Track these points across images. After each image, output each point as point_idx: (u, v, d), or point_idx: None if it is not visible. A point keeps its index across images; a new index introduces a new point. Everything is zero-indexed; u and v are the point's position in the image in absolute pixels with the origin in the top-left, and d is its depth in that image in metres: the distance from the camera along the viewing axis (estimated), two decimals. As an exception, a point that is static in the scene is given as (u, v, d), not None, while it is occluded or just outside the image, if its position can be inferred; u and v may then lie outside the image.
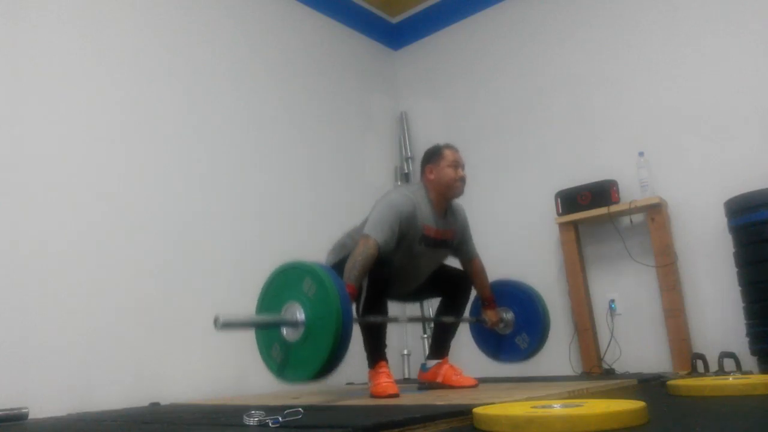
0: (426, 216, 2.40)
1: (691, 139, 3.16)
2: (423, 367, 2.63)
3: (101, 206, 2.65)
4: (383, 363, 2.27)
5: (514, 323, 2.77)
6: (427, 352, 3.25)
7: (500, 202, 3.83)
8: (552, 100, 3.72)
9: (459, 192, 2.50)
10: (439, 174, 2.47)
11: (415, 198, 2.40)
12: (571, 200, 3.31)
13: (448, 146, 2.54)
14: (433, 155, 2.52)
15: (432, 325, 2.71)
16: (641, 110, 3.35)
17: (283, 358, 2.03)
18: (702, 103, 3.15)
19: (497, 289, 2.78)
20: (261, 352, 2.14)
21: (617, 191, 3.20)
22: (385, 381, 2.19)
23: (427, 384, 2.57)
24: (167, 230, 2.87)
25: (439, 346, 2.62)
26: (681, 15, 3.29)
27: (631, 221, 3.28)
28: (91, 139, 2.69)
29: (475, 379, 2.51)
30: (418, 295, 2.74)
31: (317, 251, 3.49)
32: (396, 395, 2.12)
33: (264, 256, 3.28)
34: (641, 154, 3.19)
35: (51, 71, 2.61)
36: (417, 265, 2.48)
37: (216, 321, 1.87)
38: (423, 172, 2.54)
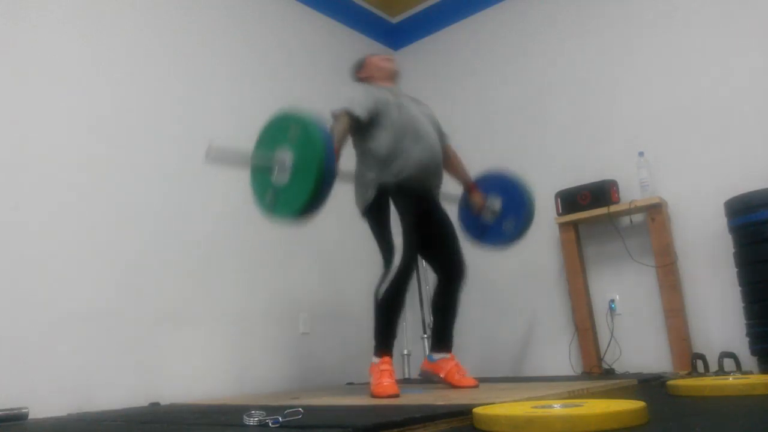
0: (383, 89, 2.53)
1: (691, 139, 3.16)
2: (429, 358, 2.61)
3: (101, 206, 2.65)
4: (388, 359, 2.25)
5: (500, 211, 2.86)
6: (427, 352, 3.26)
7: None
8: (552, 99, 3.72)
9: (393, 74, 2.65)
10: (372, 70, 2.64)
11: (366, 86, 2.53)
12: (571, 200, 3.31)
13: (368, 54, 2.73)
14: (360, 64, 2.71)
15: (431, 325, 2.69)
16: (641, 110, 3.35)
17: (274, 201, 2.16)
18: (702, 103, 3.15)
19: (483, 179, 2.92)
20: (256, 198, 2.27)
21: (617, 191, 3.20)
22: (387, 381, 2.18)
23: (429, 374, 2.56)
24: (168, 230, 2.87)
25: (443, 337, 2.59)
26: (681, 15, 3.29)
27: (631, 221, 3.28)
28: (92, 138, 2.69)
29: (476, 379, 2.52)
30: (426, 241, 2.56)
31: (316, 245, 3.51)
32: (396, 396, 2.12)
33: (264, 255, 3.29)
34: (641, 154, 3.19)
35: (50, 71, 2.61)
36: (412, 117, 2.48)
37: (208, 151, 2.04)
38: (360, 80, 2.68)
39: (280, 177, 2.13)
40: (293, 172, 2.09)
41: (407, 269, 2.27)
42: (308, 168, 2.04)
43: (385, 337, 2.29)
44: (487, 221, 2.88)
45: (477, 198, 2.85)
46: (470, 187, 2.87)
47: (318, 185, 2.00)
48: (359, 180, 2.51)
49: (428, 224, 2.52)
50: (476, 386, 2.44)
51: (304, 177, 2.05)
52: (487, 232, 2.91)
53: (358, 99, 2.41)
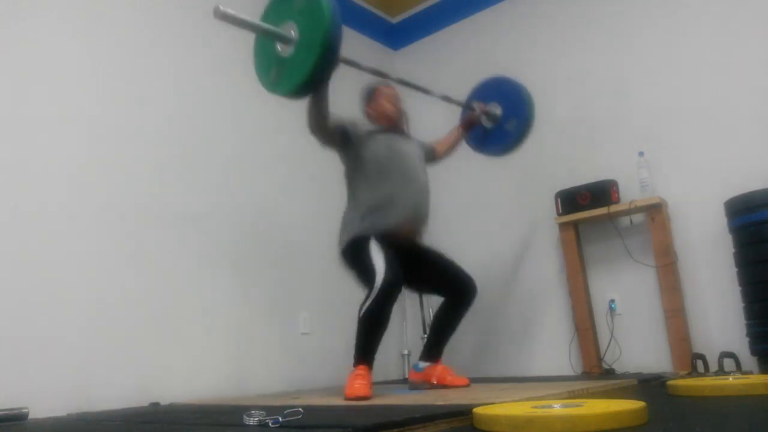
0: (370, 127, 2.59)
1: (691, 139, 3.16)
2: (416, 368, 2.66)
3: (100, 206, 2.65)
4: (364, 367, 2.26)
5: (501, 116, 3.02)
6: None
7: (500, 201, 3.83)
8: (552, 99, 3.71)
9: (397, 119, 2.66)
10: (376, 109, 2.65)
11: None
12: (571, 200, 3.30)
13: (381, 83, 2.71)
14: (368, 94, 2.71)
15: (427, 334, 2.72)
16: (641, 110, 3.35)
17: (278, 76, 2.15)
18: (702, 103, 3.15)
19: (481, 87, 3.12)
20: (259, 73, 2.27)
21: (617, 191, 3.20)
22: (359, 383, 2.19)
23: (418, 384, 2.60)
24: (168, 230, 2.87)
25: (435, 348, 2.64)
26: (681, 15, 3.29)
27: (631, 221, 3.28)
28: (92, 138, 2.69)
29: (469, 379, 2.58)
30: (423, 280, 2.68)
31: (316, 244, 3.50)
32: (367, 398, 2.13)
33: (264, 255, 3.29)
34: (641, 154, 3.19)
35: (49, 70, 2.61)
36: (402, 157, 2.53)
37: (216, 10, 2.01)
38: (365, 111, 2.71)
39: (285, 49, 2.13)
40: (298, 42, 2.08)
41: (390, 287, 2.24)
42: (313, 37, 2.02)
43: (364, 352, 2.29)
44: (490, 127, 3.03)
45: (477, 105, 3.03)
46: (462, 126, 3.09)
47: (322, 55, 2.00)
48: (344, 218, 2.56)
49: (417, 264, 2.55)
50: (468, 385, 2.49)
51: (309, 47, 2.02)
52: (490, 139, 3.06)
53: (340, 119, 2.47)
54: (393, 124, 2.65)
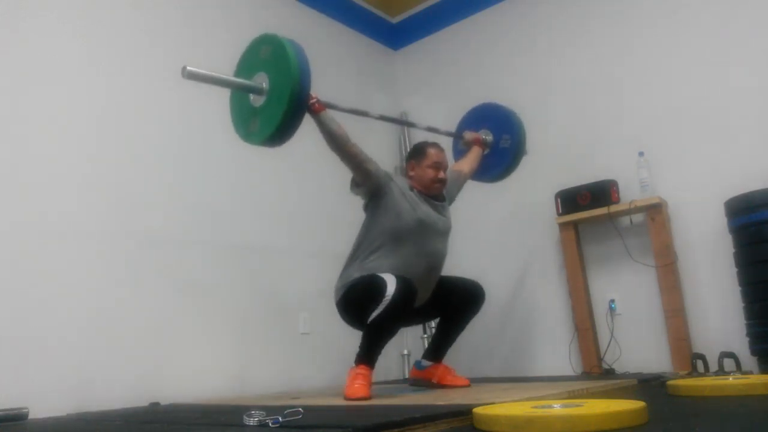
0: (406, 188, 2.50)
1: (691, 139, 3.16)
2: (418, 365, 2.65)
3: (100, 206, 2.65)
4: (365, 367, 2.23)
5: (494, 140, 3.06)
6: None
7: (500, 202, 3.83)
8: (552, 99, 3.72)
9: (436, 192, 2.56)
10: (419, 172, 2.54)
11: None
12: (571, 200, 3.30)
13: (433, 146, 2.60)
14: (417, 153, 2.60)
15: (432, 325, 2.71)
16: (641, 110, 3.35)
17: (253, 126, 2.22)
18: (702, 103, 3.15)
19: (464, 123, 3.15)
20: (235, 124, 2.34)
21: (617, 191, 3.20)
22: (359, 383, 2.18)
23: (420, 381, 2.60)
24: (168, 231, 2.87)
25: (438, 349, 2.63)
26: (681, 15, 3.29)
27: (631, 221, 3.28)
28: (92, 137, 2.69)
29: (468, 379, 2.58)
30: (431, 306, 2.60)
31: (316, 245, 3.51)
32: (366, 398, 2.12)
33: (264, 255, 3.29)
34: (641, 154, 3.19)
35: (50, 69, 2.61)
36: (425, 231, 2.42)
37: (183, 70, 2.04)
38: (406, 167, 2.62)
39: (257, 100, 2.18)
40: (269, 92, 2.14)
41: (403, 300, 2.18)
42: (282, 87, 2.08)
43: (368, 353, 2.25)
44: (485, 153, 3.05)
45: (468, 134, 2.99)
46: (478, 144, 3.01)
47: (291, 105, 2.05)
48: (345, 272, 2.45)
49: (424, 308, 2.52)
50: (468, 386, 2.49)
51: (279, 98, 2.09)
52: (488, 163, 3.06)
53: (374, 162, 2.40)
54: (430, 193, 2.54)
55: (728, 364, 2.72)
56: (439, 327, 2.68)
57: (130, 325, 2.62)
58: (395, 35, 4.60)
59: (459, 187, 2.81)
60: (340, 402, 2.11)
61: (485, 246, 3.84)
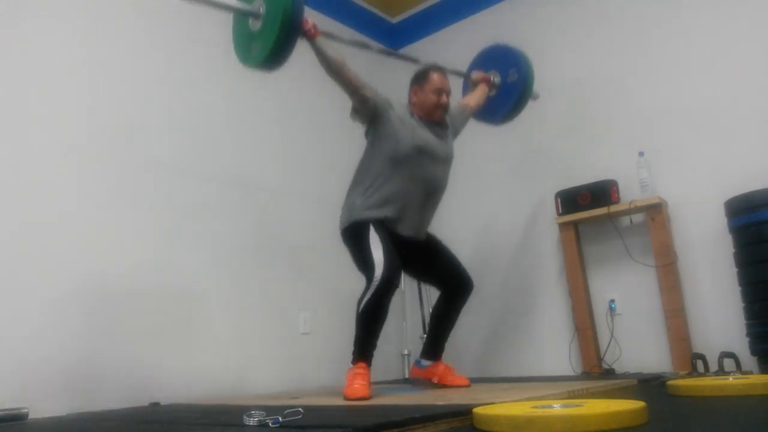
0: (406, 114, 2.51)
1: (691, 139, 3.16)
2: (419, 364, 2.66)
3: (99, 205, 2.65)
4: (364, 365, 2.26)
5: (501, 81, 3.09)
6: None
7: (500, 202, 3.83)
8: (552, 99, 3.71)
9: (437, 118, 2.57)
10: (422, 97, 2.56)
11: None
12: (571, 200, 3.30)
13: (436, 70, 2.62)
14: (420, 77, 2.61)
15: (427, 332, 2.71)
16: (641, 110, 3.35)
17: (252, 50, 2.32)
18: (702, 103, 3.15)
19: (480, 59, 3.21)
20: (235, 48, 2.43)
21: (617, 191, 3.20)
22: (359, 383, 2.18)
23: (420, 380, 2.60)
24: (168, 231, 2.87)
25: (435, 345, 2.64)
26: (681, 15, 3.29)
27: (631, 221, 3.28)
28: (92, 135, 2.69)
29: (469, 379, 2.57)
30: (423, 269, 2.66)
31: (316, 244, 3.51)
32: (366, 398, 2.13)
33: (264, 255, 3.29)
34: (641, 154, 3.18)
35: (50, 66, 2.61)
36: (424, 157, 2.44)
37: None
38: (409, 93, 2.64)
39: (255, 24, 2.28)
40: (264, 16, 2.23)
41: (388, 282, 2.24)
42: (275, 11, 2.18)
43: (363, 347, 2.29)
44: (494, 94, 3.08)
45: (476, 73, 3.06)
46: (485, 82, 3.05)
47: (283, 28, 2.15)
48: (348, 199, 2.50)
49: (418, 254, 2.54)
50: (468, 386, 2.49)
51: (272, 21, 2.19)
52: (496, 103, 3.09)
53: (373, 89, 2.45)
54: (431, 119, 2.56)
55: (728, 364, 2.72)
56: (430, 323, 2.70)
57: (130, 325, 2.63)
58: (395, 35, 4.60)
59: (464, 120, 2.85)
60: (340, 402, 2.11)
61: (485, 246, 3.84)
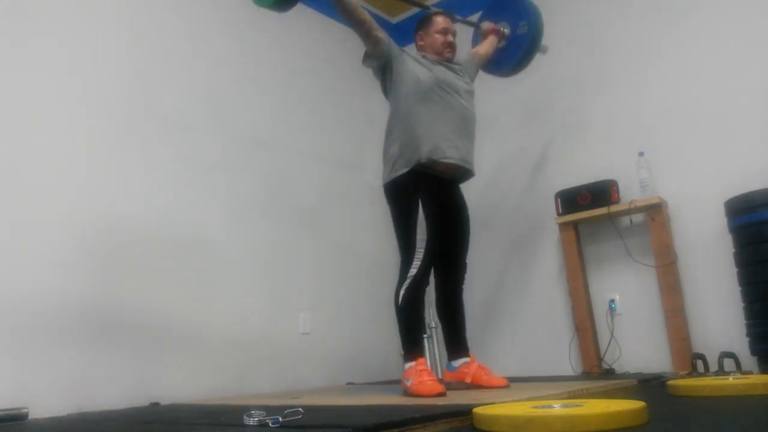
0: (419, 56, 2.54)
1: (691, 139, 3.16)
2: (449, 367, 2.49)
3: (99, 205, 2.65)
4: (423, 360, 2.20)
5: (511, 32, 3.10)
6: (429, 352, 3.25)
7: (500, 202, 3.83)
8: (552, 99, 3.72)
9: (448, 56, 2.61)
10: (429, 40, 2.61)
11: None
12: (571, 200, 3.30)
13: (439, 13, 2.68)
14: (424, 22, 2.66)
15: (443, 332, 2.59)
16: (641, 110, 3.35)
17: None
18: (702, 103, 3.15)
19: (490, 9, 3.24)
20: None
21: (617, 191, 3.20)
22: (429, 379, 2.11)
23: (454, 384, 2.40)
24: (168, 231, 2.87)
25: (458, 341, 2.50)
26: (681, 15, 3.29)
27: (631, 221, 3.28)
28: (91, 133, 2.70)
29: (506, 378, 2.39)
30: (446, 229, 2.47)
31: (316, 244, 3.51)
32: (444, 394, 2.02)
33: (264, 255, 3.29)
34: (641, 154, 3.19)
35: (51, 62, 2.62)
36: (446, 88, 2.45)
37: None
38: (415, 40, 2.68)
39: None
40: None
41: (424, 276, 2.25)
42: None
43: (413, 340, 2.24)
44: (503, 45, 3.09)
45: (486, 24, 3.06)
46: (495, 33, 3.04)
47: None
48: (385, 151, 2.48)
49: (446, 218, 2.44)
50: (507, 386, 2.30)
51: None
52: (505, 54, 3.11)
53: (388, 39, 2.46)
54: (442, 58, 2.58)
55: (728, 364, 2.72)
56: (441, 320, 2.58)
57: (130, 325, 2.62)
58: (395, 36, 4.54)
59: (476, 66, 2.86)
60: (340, 402, 2.11)
61: (485, 246, 3.83)
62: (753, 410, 1.48)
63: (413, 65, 2.47)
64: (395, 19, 4.59)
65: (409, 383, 2.14)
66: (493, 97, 4.00)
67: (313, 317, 3.44)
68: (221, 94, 3.27)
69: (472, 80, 2.75)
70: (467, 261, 2.61)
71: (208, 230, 3.05)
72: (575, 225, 3.35)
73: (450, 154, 2.39)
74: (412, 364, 2.18)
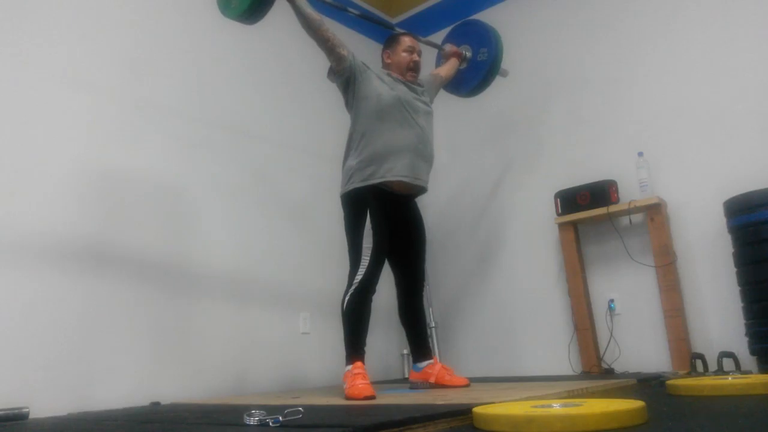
0: (383, 74, 2.61)
1: (691, 139, 3.16)
2: (415, 368, 2.66)
3: (98, 205, 2.65)
4: (360, 363, 2.28)
5: (472, 55, 3.18)
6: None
7: (500, 202, 3.84)
8: (552, 99, 3.72)
9: (411, 77, 2.68)
10: (395, 59, 2.69)
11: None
12: (571, 200, 3.31)
13: (405, 33, 2.77)
14: (391, 41, 2.74)
15: (407, 337, 2.72)
16: (641, 110, 3.36)
17: (232, 3, 2.44)
18: (702, 103, 3.15)
19: (453, 33, 3.31)
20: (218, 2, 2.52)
21: (616, 191, 3.20)
22: (361, 383, 2.19)
23: (419, 383, 2.60)
24: (168, 231, 2.88)
25: (421, 345, 2.65)
26: (681, 15, 3.30)
27: (631, 221, 3.28)
28: (91, 136, 2.70)
29: (468, 378, 2.56)
30: (399, 243, 2.58)
31: (316, 244, 3.51)
32: (373, 397, 2.12)
33: (264, 254, 3.29)
34: (641, 154, 3.19)
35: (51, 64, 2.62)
36: (405, 107, 2.51)
37: None
38: (383, 58, 2.75)
39: None
40: None
41: (370, 282, 2.34)
42: None
43: (354, 345, 2.32)
44: (464, 67, 3.18)
45: (449, 46, 3.14)
46: (456, 56, 3.13)
47: None
48: (343, 163, 2.57)
49: (401, 232, 2.56)
50: (467, 385, 2.48)
51: None
52: (465, 76, 3.20)
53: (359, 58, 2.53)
54: (406, 77, 2.65)
55: (727, 363, 2.72)
56: (403, 325, 2.69)
57: (130, 324, 2.63)
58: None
59: (437, 87, 2.94)
60: (340, 402, 2.11)
61: (485, 246, 3.84)
62: (752, 410, 1.48)
63: (376, 83, 2.52)
64: (395, 19, 4.60)
65: (345, 386, 2.25)
66: (493, 96, 4.00)
67: (313, 317, 3.44)
68: (214, 87, 3.26)
69: (432, 101, 2.82)
70: (426, 270, 2.71)
71: (208, 232, 3.05)
72: (575, 225, 3.36)
73: (404, 173, 2.47)
74: (350, 367, 2.28)
